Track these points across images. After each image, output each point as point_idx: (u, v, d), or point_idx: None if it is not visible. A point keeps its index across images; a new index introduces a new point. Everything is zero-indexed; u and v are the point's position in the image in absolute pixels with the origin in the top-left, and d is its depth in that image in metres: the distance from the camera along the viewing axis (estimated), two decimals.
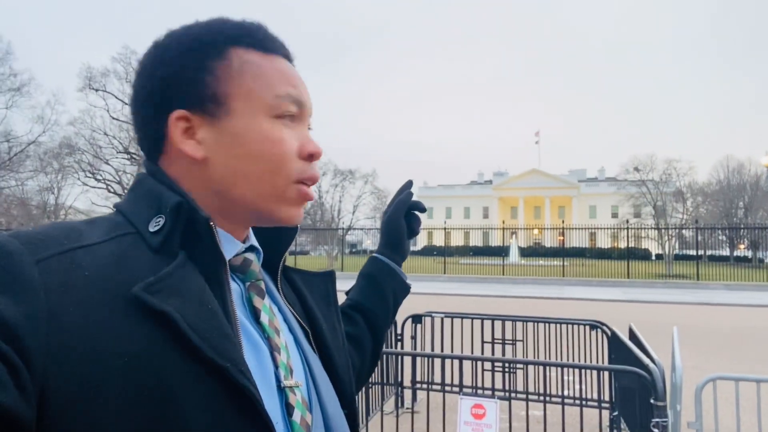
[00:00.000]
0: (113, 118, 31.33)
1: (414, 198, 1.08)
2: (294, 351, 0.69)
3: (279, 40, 0.72)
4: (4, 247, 0.50)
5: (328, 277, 0.86)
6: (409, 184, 1.09)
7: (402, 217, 1.05)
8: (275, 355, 0.64)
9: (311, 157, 0.68)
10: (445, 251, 30.28)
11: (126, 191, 0.68)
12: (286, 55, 0.72)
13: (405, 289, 1.07)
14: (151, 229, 0.59)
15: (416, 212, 1.08)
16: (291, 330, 0.72)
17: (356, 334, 0.97)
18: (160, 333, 0.52)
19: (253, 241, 0.72)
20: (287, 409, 0.62)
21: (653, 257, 39.68)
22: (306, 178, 0.68)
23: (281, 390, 0.62)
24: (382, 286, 1.03)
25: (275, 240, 0.76)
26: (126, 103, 31.58)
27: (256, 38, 0.68)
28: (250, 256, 0.69)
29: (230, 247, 0.66)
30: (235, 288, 0.66)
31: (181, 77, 0.64)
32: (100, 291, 0.52)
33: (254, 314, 0.66)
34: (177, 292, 0.54)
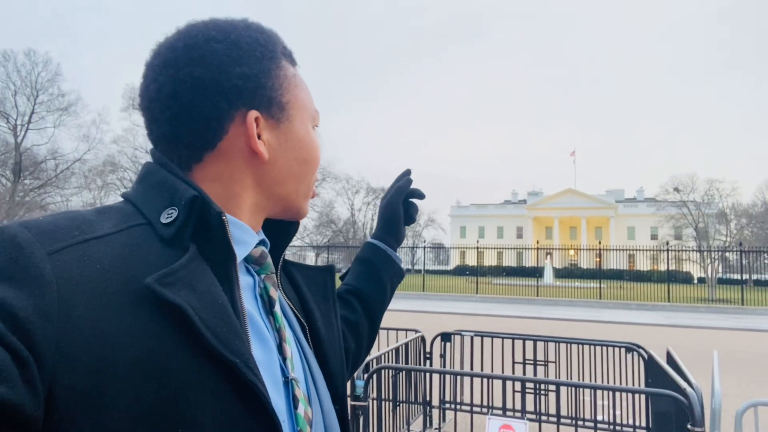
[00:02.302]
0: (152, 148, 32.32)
1: (424, 198, 1.11)
2: (293, 346, 0.69)
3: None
4: (15, 238, 0.50)
5: (328, 272, 0.86)
6: (408, 171, 1.11)
7: (400, 202, 1.07)
8: (284, 347, 0.64)
9: None
10: (478, 271, 29.93)
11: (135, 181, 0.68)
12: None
13: (400, 275, 1.09)
14: (163, 220, 0.59)
15: (414, 200, 1.10)
16: (290, 325, 0.72)
17: (353, 319, 0.98)
18: (172, 326, 0.52)
19: (262, 234, 0.73)
20: (293, 401, 0.62)
21: (695, 281, 38.36)
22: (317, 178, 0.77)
23: (287, 383, 0.63)
24: (380, 272, 1.05)
25: (278, 235, 0.77)
26: None
27: (289, 52, 0.75)
28: (265, 249, 0.70)
29: (250, 238, 0.67)
30: (248, 281, 0.66)
31: (257, 79, 0.66)
32: (111, 283, 0.51)
33: (270, 304, 0.67)
34: (189, 285, 0.55)
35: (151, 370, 0.49)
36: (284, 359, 0.64)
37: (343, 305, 0.99)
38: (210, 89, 0.63)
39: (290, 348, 0.66)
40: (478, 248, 30.36)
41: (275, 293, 0.68)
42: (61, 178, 33.49)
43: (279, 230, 0.77)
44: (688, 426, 2.70)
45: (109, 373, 0.47)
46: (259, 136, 0.66)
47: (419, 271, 35.34)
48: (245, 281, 0.65)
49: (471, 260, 46.78)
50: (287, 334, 0.67)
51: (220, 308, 0.56)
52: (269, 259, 0.70)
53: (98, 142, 34.45)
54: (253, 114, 0.65)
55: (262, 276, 0.69)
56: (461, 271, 41.63)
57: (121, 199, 0.65)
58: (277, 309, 0.67)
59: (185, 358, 0.51)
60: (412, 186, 1.09)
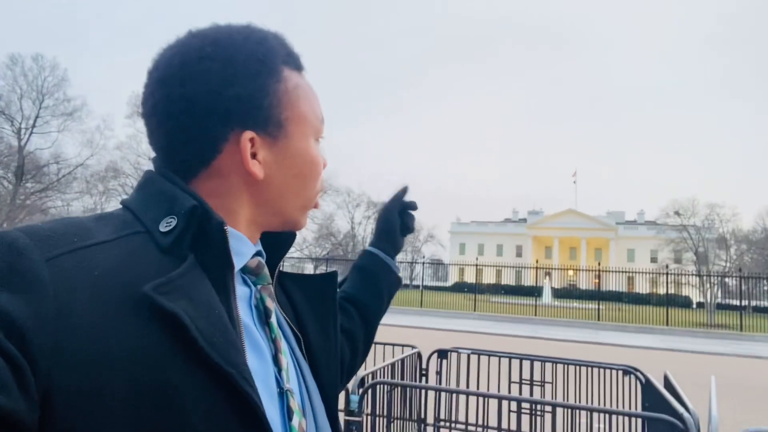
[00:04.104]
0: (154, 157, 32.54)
1: (416, 209, 1.13)
2: (288, 357, 0.69)
3: (298, 53, 0.74)
4: (13, 244, 0.50)
5: (328, 279, 0.84)
6: (406, 186, 1.12)
7: (396, 210, 1.09)
8: (279, 358, 0.64)
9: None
10: (476, 288, 29.82)
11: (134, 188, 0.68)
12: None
13: (397, 283, 1.10)
14: (162, 229, 0.59)
15: (410, 211, 1.12)
16: (285, 336, 0.72)
17: (349, 327, 0.98)
18: (168, 335, 0.51)
19: (259, 245, 0.73)
20: (288, 412, 0.62)
21: (694, 305, 38.22)
22: (322, 189, 0.76)
23: (282, 394, 0.62)
24: (377, 280, 1.05)
25: (274, 246, 0.76)
26: None
27: (294, 57, 0.72)
28: (262, 259, 0.70)
29: (245, 248, 0.67)
30: (244, 291, 0.66)
31: (251, 98, 0.65)
32: (108, 291, 0.51)
33: (266, 315, 0.67)
34: (186, 294, 0.54)
35: (146, 378, 0.49)
36: (279, 370, 0.64)
37: (340, 313, 0.98)
38: (202, 111, 0.63)
39: (285, 359, 0.66)
40: (477, 265, 30.30)
41: (271, 304, 0.68)
42: (62, 182, 33.52)
43: (275, 241, 0.76)
44: None
45: (104, 380, 0.47)
46: (255, 155, 0.65)
47: (417, 287, 35.23)
48: (241, 291, 0.65)
49: (470, 277, 46.60)
50: (283, 345, 0.67)
51: (216, 318, 0.56)
52: (266, 270, 0.70)
53: (101, 147, 34.47)
54: (248, 135, 0.64)
55: (259, 286, 0.68)
56: (460, 287, 41.53)
57: (121, 206, 0.65)
58: (273, 320, 0.67)
59: (181, 367, 0.51)
60: (408, 199, 1.11)
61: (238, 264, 0.64)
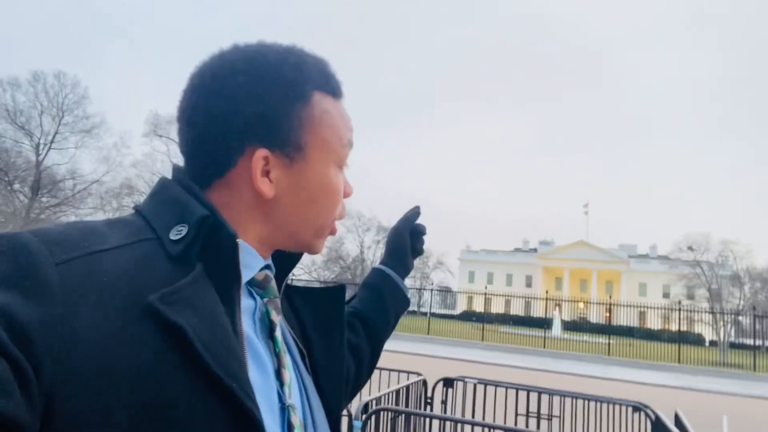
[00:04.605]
0: (173, 163, 32.90)
1: (425, 234, 1.13)
2: (292, 371, 0.68)
3: (340, 80, 0.75)
4: (25, 247, 0.50)
5: (337, 292, 0.83)
6: (417, 207, 1.13)
7: (407, 231, 1.09)
8: (282, 372, 0.63)
9: (346, 196, 0.75)
10: (485, 317, 29.54)
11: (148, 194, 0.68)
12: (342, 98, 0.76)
13: (406, 303, 1.09)
14: (172, 237, 0.59)
15: (419, 233, 1.12)
16: (289, 351, 0.71)
17: (356, 343, 0.97)
18: (171, 345, 0.52)
19: (269, 259, 0.73)
20: (289, 428, 0.61)
21: (707, 343, 37.51)
22: (340, 216, 0.74)
23: (283, 409, 0.62)
24: (385, 299, 1.05)
25: (282, 260, 0.76)
26: None
27: (333, 83, 0.72)
28: (270, 273, 0.70)
29: (254, 262, 0.67)
30: (249, 303, 0.66)
31: (273, 118, 0.65)
32: (116, 297, 0.52)
33: (270, 329, 0.66)
34: (191, 305, 0.54)
35: (148, 387, 0.49)
36: (282, 385, 0.63)
37: (348, 328, 0.98)
38: (223, 124, 0.65)
39: (289, 374, 0.65)
40: (486, 294, 30.06)
41: (276, 318, 0.68)
42: (77, 197, 33.94)
43: (284, 255, 0.76)
44: None
45: (107, 387, 0.47)
46: (268, 173, 0.66)
47: (425, 314, 34.93)
48: (246, 304, 0.65)
49: (478, 306, 46.17)
50: (286, 359, 0.66)
51: (220, 330, 0.56)
52: (273, 283, 0.70)
53: (117, 164, 34.94)
54: (262, 153, 0.65)
55: (265, 300, 0.68)
56: (468, 316, 41.15)
57: (134, 211, 0.65)
58: (278, 334, 0.66)
59: (183, 378, 0.51)
60: (419, 222, 1.12)
61: (245, 277, 0.64)
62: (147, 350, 0.50)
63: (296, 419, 0.62)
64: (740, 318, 30.28)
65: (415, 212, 1.11)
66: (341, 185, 0.73)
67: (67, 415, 0.46)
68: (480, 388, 5.68)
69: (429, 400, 5.38)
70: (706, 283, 32.76)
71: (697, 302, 34.46)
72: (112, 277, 0.53)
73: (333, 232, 0.75)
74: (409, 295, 1.10)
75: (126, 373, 0.48)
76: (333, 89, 0.72)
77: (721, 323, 28.31)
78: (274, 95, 0.66)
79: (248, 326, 0.63)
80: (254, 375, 0.59)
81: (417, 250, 1.12)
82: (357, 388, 0.99)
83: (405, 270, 1.09)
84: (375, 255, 41.64)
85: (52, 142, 33.16)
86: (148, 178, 34.41)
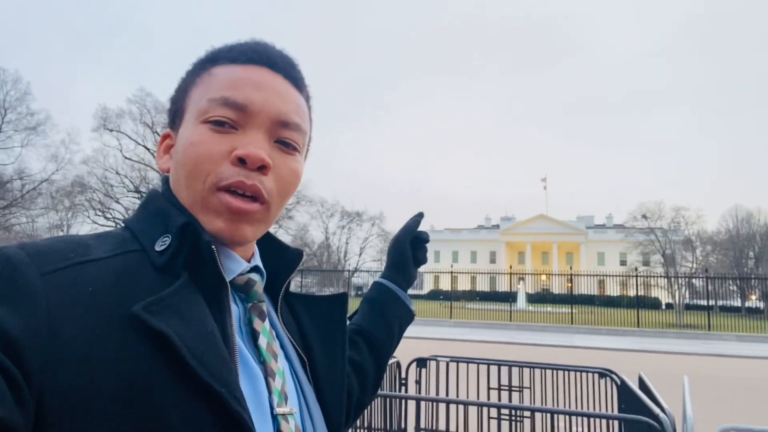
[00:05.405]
0: (126, 158, 31.94)
1: (428, 242, 1.10)
2: (289, 378, 0.68)
3: (267, 53, 0.69)
4: (10, 259, 0.50)
5: (337, 301, 0.82)
6: (420, 214, 1.10)
7: (408, 241, 1.06)
8: (269, 381, 0.63)
9: (243, 162, 0.62)
10: (452, 295, 29.99)
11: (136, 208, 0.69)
12: (271, 65, 0.68)
13: (410, 316, 1.06)
14: (157, 248, 0.60)
15: (421, 242, 1.09)
16: (287, 357, 0.70)
17: (359, 360, 0.95)
18: (157, 354, 0.51)
19: (258, 261, 0.72)
20: None
21: (663, 306, 39.10)
22: (230, 184, 0.61)
23: (274, 417, 0.61)
24: (387, 312, 1.01)
25: (279, 265, 0.75)
26: (139, 143, 32.24)
27: (234, 53, 0.68)
28: (255, 277, 0.69)
29: (234, 266, 0.66)
30: (234, 309, 0.65)
31: (176, 101, 0.70)
32: (101, 307, 0.52)
33: (253, 337, 0.65)
34: (177, 313, 0.54)
35: (135, 395, 0.49)
36: (269, 393, 0.62)
37: (350, 345, 0.95)
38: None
39: (278, 381, 0.64)
40: (452, 273, 30.46)
41: (259, 325, 0.66)
42: (27, 198, 32.53)
43: (279, 261, 0.75)
44: None
45: (93, 396, 0.48)
46: (170, 149, 0.70)
47: None
48: (233, 309, 0.64)
49: (445, 285, 46.91)
50: (277, 366, 0.65)
51: (208, 336, 0.56)
52: (256, 287, 0.68)
53: (67, 162, 33.53)
54: (164, 133, 0.72)
55: (249, 305, 0.67)
56: (435, 295, 41.67)
57: (123, 225, 0.66)
58: (262, 342, 0.65)
59: (171, 385, 0.51)
60: (414, 221, 1.09)
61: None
62: (133, 358, 0.50)
63: (287, 427, 0.61)
64: (694, 281, 31.61)
65: (417, 220, 1.09)
66: (203, 141, 0.63)
67: (55, 422, 0.46)
68: (453, 366, 5.78)
69: (403, 381, 5.45)
70: (660, 249, 33.97)
71: (652, 268, 35.78)
72: (97, 287, 0.53)
73: (229, 206, 0.62)
74: (412, 307, 1.07)
75: (112, 380, 0.49)
76: (233, 57, 0.68)
77: (676, 287, 29.51)
78: (183, 81, 0.71)
79: (236, 333, 0.62)
80: (243, 382, 0.58)
81: (419, 260, 1.09)
82: (361, 407, 0.95)
83: (407, 282, 1.07)
84: (340, 240, 41.69)
85: None
86: (101, 174, 33.23)
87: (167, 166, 0.70)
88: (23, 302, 0.48)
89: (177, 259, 0.59)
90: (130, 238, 0.62)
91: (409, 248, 1.07)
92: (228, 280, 0.64)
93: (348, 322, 1.02)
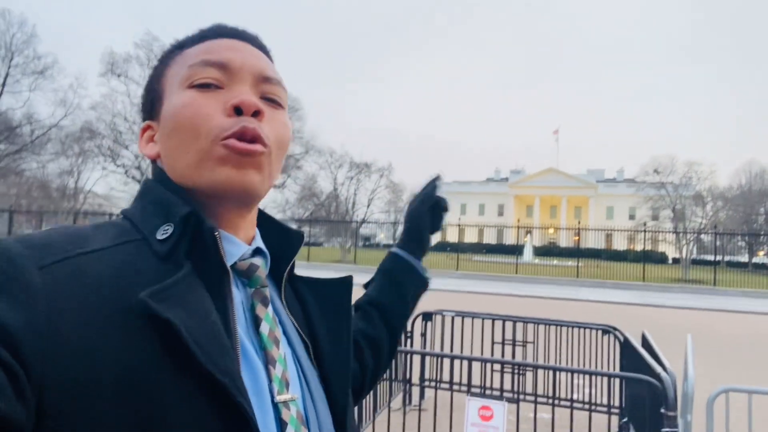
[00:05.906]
0: (134, 104, 31.65)
1: (447, 211, 1.08)
2: (291, 364, 0.67)
3: (233, 28, 0.72)
4: (7, 252, 0.50)
5: (343, 285, 0.81)
6: (437, 176, 1.08)
7: (426, 210, 1.05)
8: (269, 368, 0.62)
9: (239, 111, 0.63)
10: (459, 248, 30.23)
11: (135, 196, 0.68)
12: (239, 37, 0.71)
13: (424, 285, 1.06)
14: (159, 236, 0.59)
15: (441, 208, 1.07)
16: (290, 342, 0.70)
17: (373, 333, 0.95)
18: (161, 342, 0.51)
19: (260, 243, 0.70)
20: (281, 425, 0.60)
21: (670, 261, 39.21)
22: (233, 133, 0.62)
23: (275, 405, 0.61)
24: (401, 283, 1.02)
25: (282, 247, 0.74)
26: None
27: (200, 34, 0.71)
28: (257, 261, 0.67)
29: (235, 249, 0.65)
30: (236, 295, 0.64)
31: (149, 92, 0.71)
32: (102, 298, 0.51)
33: (255, 323, 0.65)
34: (181, 302, 0.54)
35: (137, 386, 0.49)
36: (270, 381, 0.62)
37: (363, 318, 0.97)
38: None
39: (279, 368, 0.63)
40: (459, 225, 30.59)
41: (262, 311, 0.65)
42: (37, 143, 32.59)
43: (282, 243, 0.74)
44: (662, 410, 2.78)
45: (94, 387, 0.48)
46: (153, 138, 0.70)
47: None
48: (235, 296, 0.63)
49: (452, 237, 47.12)
50: (279, 353, 0.65)
51: (211, 326, 0.55)
52: (259, 272, 0.67)
53: (75, 107, 33.21)
54: (143, 125, 0.71)
55: (251, 291, 0.66)
56: (442, 247, 41.95)
57: (121, 216, 0.65)
58: (263, 329, 0.64)
59: (173, 375, 0.51)
60: (428, 181, 1.07)
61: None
62: (135, 348, 0.50)
63: (288, 415, 0.61)
64: (702, 236, 31.56)
65: (434, 186, 1.06)
66: (195, 100, 0.64)
67: (56, 415, 0.46)
68: (458, 320, 5.88)
69: (409, 335, 5.55)
70: (670, 204, 33.69)
71: (661, 223, 35.58)
72: (97, 279, 0.52)
73: (236, 149, 0.62)
74: (427, 275, 1.06)
75: (113, 371, 0.49)
76: (202, 36, 0.71)
77: (684, 242, 29.49)
78: (155, 71, 0.71)
79: (238, 321, 0.62)
80: (244, 370, 0.58)
81: (436, 227, 1.08)
82: (375, 379, 0.97)
83: (422, 250, 1.06)
84: (348, 191, 41.54)
85: (3, 85, 31.42)
86: (109, 120, 32.97)
87: (155, 151, 0.69)
88: (22, 296, 0.48)
89: (179, 248, 0.59)
90: (130, 228, 0.61)
91: (427, 218, 1.06)
92: (229, 264, 0.63)
93: (364, 291, 1.04)
